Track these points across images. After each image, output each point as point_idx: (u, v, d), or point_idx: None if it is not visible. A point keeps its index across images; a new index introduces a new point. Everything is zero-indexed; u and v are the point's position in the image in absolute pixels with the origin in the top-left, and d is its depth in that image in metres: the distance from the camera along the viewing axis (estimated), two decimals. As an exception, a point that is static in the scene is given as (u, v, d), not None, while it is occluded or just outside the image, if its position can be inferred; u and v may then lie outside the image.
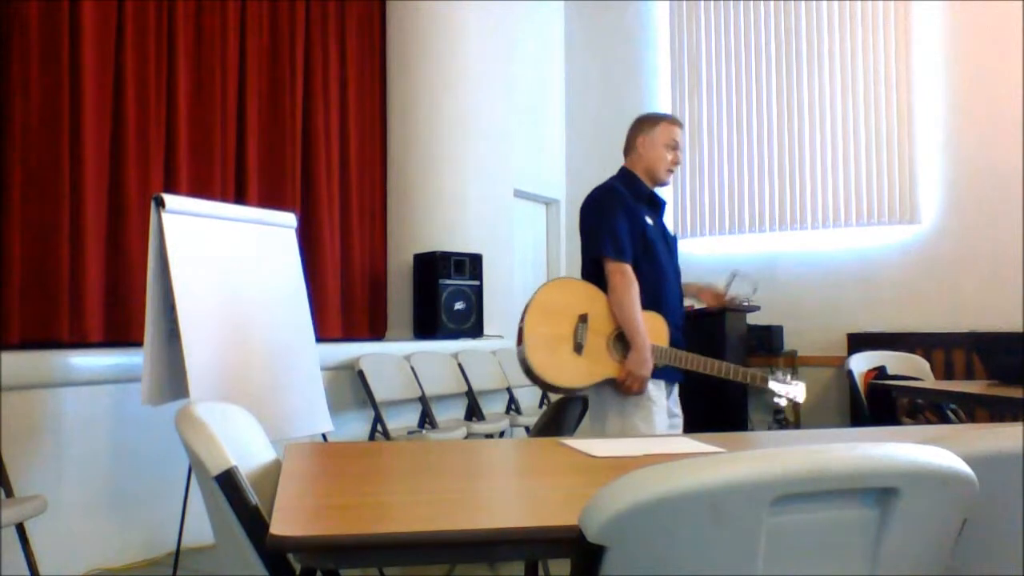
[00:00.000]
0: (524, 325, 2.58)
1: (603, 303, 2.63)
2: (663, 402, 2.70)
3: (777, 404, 2.66)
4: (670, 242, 2.85)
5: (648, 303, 2.64)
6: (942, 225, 5.82)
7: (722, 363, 2.58)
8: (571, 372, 2.58)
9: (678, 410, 2.84)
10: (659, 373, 2.64)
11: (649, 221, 2.75)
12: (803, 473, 0.88)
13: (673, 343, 2.67)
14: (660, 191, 2.89)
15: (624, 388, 2.58)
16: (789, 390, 2.62)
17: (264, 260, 3.62)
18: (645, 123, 2.80)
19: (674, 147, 2.76)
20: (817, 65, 6.22)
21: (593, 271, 2.71)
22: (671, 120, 2.80)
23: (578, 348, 2.58)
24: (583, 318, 2.61)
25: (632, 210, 2.69)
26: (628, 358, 2.57)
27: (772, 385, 2.61)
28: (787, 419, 6.01)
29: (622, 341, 2.61)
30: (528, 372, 2.57)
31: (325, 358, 4.25)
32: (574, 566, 0.90)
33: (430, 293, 5.47)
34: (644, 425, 2.61)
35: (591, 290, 2.66)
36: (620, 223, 2.64)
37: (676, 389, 2.84)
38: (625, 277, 2.60)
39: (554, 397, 3.38)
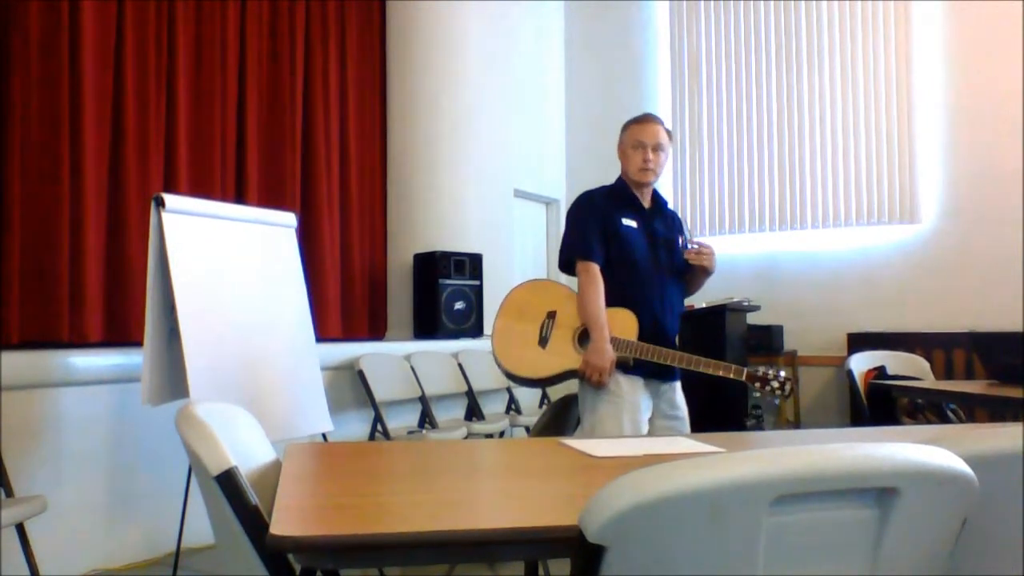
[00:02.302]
0: (496, 320, 2.79)
1: (574, 302, 2.76)
2: (638, 400, 2.70)
3: (759, 399, 2.64)
4: (659, 241, 2.84)
5: (620, 300, 2.72)
6: (942, 225, 5.82)
7: (689, 356, 2.59)
8: (532, 363, 2.74)
9: (676, 411, 2.81)
10: (634, 370, 2.68)
11: (630, 223, 2.80)
12: (803, 473, 0.88)
13: (655, 339, 2.68)
14: (662, 192, 2.94)
15: (586, 379, 2.67)
16: (771, 384, 2.55)
17: (264, 260, 3.62)
18: (620, 132, 2.88)
19: (639, 146, 2.77)
20: (817, 65, 6.22)
21: (570, 273, 2.84)
22: (636, 120, 2.85)
23: (542, 342, 2.75)
24: (551, 315, 2.76)
25: (604, 213, 2.78)
26: (587, 349, 2.67)
27: (747, 378, 2.58)
28: (783, 417, 6.00)
29: (588, 337, 2.70)
30: (496, 363, 2.77)
31: (325, 358, 4.24)
32: (574, 566, 0.90)
33: (430, 293, 5.47)
34: (611, 422, 2.65)
35: (563, 291, 2.81)
36: (588, 225, 2.77)
37: (674, 388, 2.82)
38: (588, 275, 2.73)
39: (554, 397, 3.40)
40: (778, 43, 6.40)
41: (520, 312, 2.78)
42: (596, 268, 2.73)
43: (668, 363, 2.62)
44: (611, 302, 2.71)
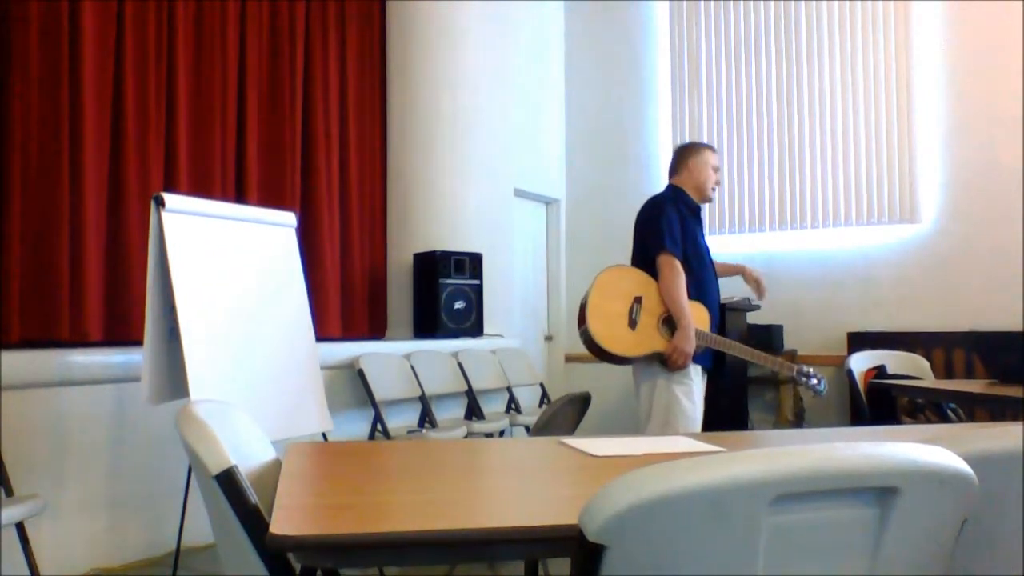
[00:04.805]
0: (588, 301, 3.00)
1: (655, 288, 3.06)
2: (701, 384, 3.13)
3: (802, 392, 3.05)
4: (708, 245, 3.31)
5: (695, 295, 3.08)
6: (942, 225, 5.81)
7: (755, 350, 3.07)
8: (626, 343, 3.00)
9: (702, 399, 3.17)
10: (698, 359, 3.06)
11: (697, 228, 3.23)
12: (803, 473, 0.88)
13: (717, 331, 3.14)
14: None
15: (671, 362, 2.99)
16: (811, 380, 3.03)
17: (264, 260, 3.62)
18: (692, 149, 3.32)
19: (716, 169, 3.30)
20: (817, 65, 6.22)
21: (641, 262, 3.15)
22: (713, 148, 3.37)
23: (632, 324, 3.01)
24: (638, 299, 3.03)
25: (683, 217, 3.16)
26: (675, 336, 2.99)
27: (796, 374, 3.05)
28: (802, 412, 5.97)
29: (669, 323, 3.03)
30: (588, 341, 2.98)
31: (325, 358, 4.25)
32: (574, 566, 0.90)
33: (430, 293, 5.47)
34: (686, 400, 3.03)
35: (644, 276, 3.10)
36: (674, 222, 3.11)
37: (705, 379, 3.21)
38: (674, 268, 3.03)
39: (555, 397, 3.49)
40: (778, 43, 6.39)
41: (610, 295, 3.02)
42: (679, 263, 3.05)
43: (734, 354, 3.05)
44: (689, 296, 3.05)
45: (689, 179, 3.27)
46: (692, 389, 3.06)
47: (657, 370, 3.06)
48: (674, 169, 3.34)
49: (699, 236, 3.22)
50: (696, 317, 3.03)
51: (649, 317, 3.02)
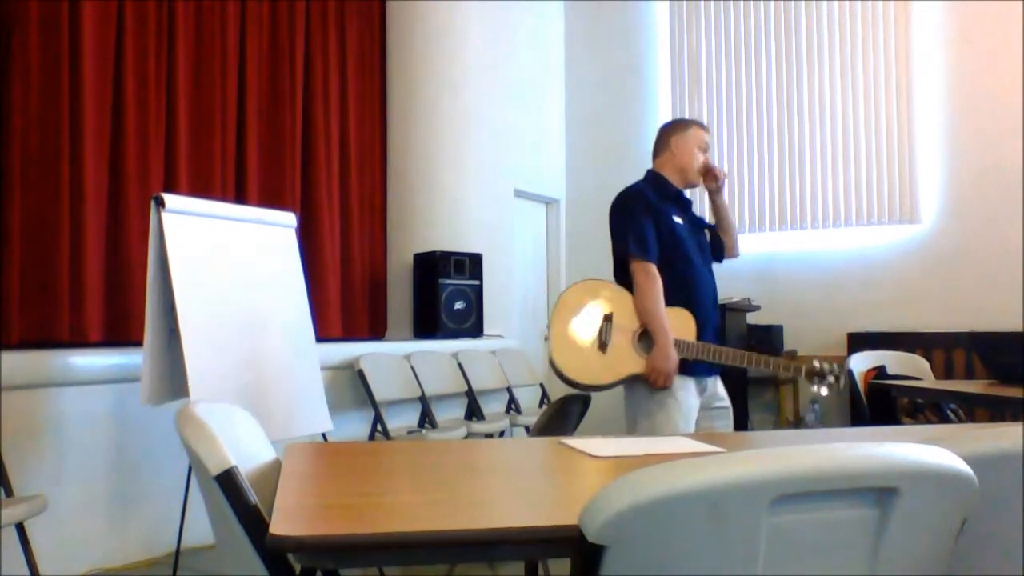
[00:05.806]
0: (550, 327, 2.67)
1: (628, 302, 2.68)
2: (691, 401, 2.69)
3: (816, 394, 2.65)
4: (699, 237, 2.88)
5: (680, 299, 2.69)
6: (942, 225, 5.81)
7: (752, 354, 2.63)
8: (595, 370, 2.64)
9: (721, 402, 2.81)
10: (686, 370, 2.65)
11: (678, 220, 2.78)
12: (803, 473, 0.88)
13: (706, 338, 2.69)
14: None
15: (651, 382, 2.61)
16: (828, 379, 2.61)
17: (264, 260, 3.62)
18: (678, 125, 2.89)
19: (705, 149, 2.85)
20: (817, 65, 6.22)
21: (621, 271, 2.76)
22: (701, 125, 2.90)
23: (602, 347, 2.65)
24: (608, 318, 2.67)
25: (657, 209, 2.74)
26: (651, 353, 2.61)
27: (806, 375, 2.63)
28: (783, 417, 5.99)
29: (647, 338, 2.65)
30: (556, 372, 2.65)
31: (325, 358, 4.24)
32: (574, 566, 0.90)
33: (430, 293, 5.47)
34: (667, 425, 2.62)
35: (615, 291, 2.73)
36: (644, 223, 2.70)
37: (716, 381, 2.81)
38: (648, 275, 2.66)
39: (554, 397, 3.42)
40: (778, 43, 6.39)
41: (576, 316, 2.69)
42: (655, 268, 2.67)
43: (728, 363, 2.62)
44: (668, 301, 2.66)
45: (671, 160, 2.83)
46: (674, 410, 2.63)
47: (640, 393, 2.67)
48: (656, 150, 2.90)
49: (678, 228, 2.75)
50: (678, 326, 2.63)
51: (622, 335, 2.65)
